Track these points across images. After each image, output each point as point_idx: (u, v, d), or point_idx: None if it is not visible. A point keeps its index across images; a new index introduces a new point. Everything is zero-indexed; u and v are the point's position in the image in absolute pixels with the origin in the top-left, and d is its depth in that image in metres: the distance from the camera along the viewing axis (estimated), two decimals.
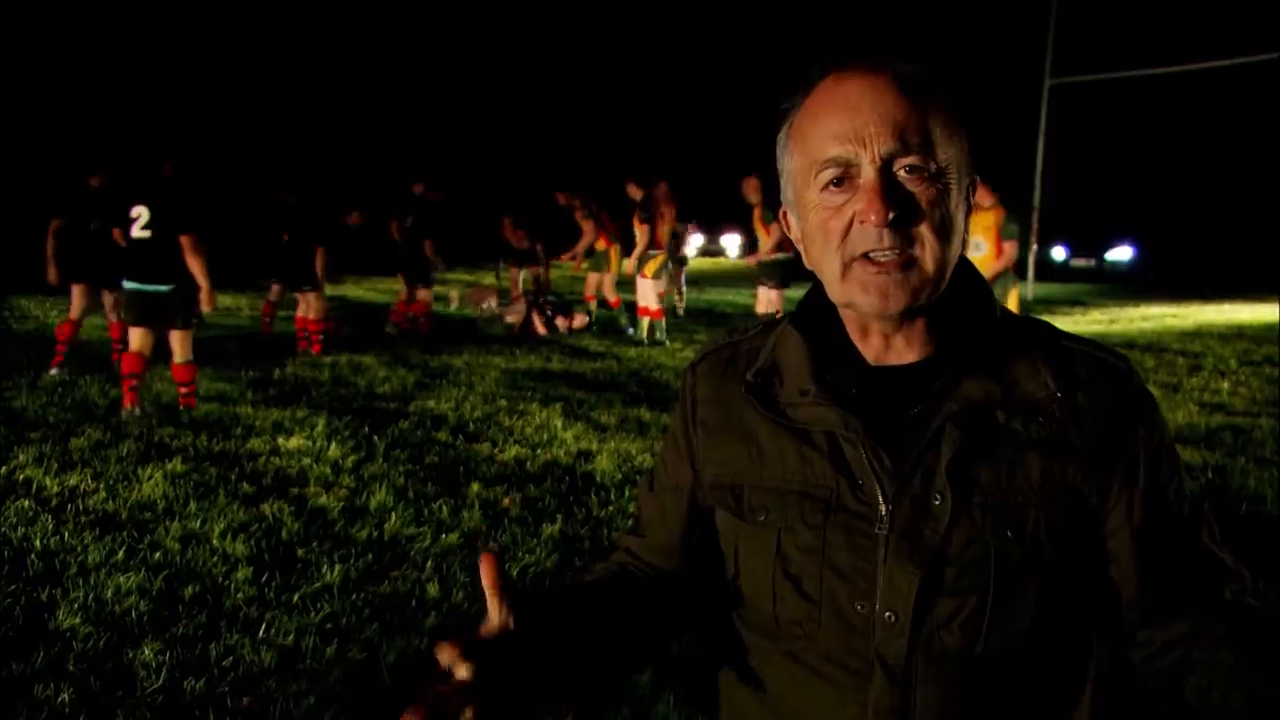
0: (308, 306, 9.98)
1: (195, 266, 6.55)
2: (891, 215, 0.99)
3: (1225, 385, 9.03)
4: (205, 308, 6.77)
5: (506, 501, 4.93)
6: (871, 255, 1.02)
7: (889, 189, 1.00)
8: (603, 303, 13.07)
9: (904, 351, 1.11)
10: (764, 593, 1.13)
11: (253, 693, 3.00)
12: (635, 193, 11.64)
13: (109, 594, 3.63)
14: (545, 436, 6.34)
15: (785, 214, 1.16)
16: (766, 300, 10.71)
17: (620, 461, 5.70)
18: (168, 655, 3.17)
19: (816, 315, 1.16)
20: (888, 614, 1.04)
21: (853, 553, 1.06)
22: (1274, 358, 11.16)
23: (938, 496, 1.04)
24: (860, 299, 1.04)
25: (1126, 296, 22.50)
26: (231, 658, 3.19)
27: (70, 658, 3.15)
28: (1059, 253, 46.47)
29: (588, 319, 12.61)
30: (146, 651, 3.18)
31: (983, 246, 8.78)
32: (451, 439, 6.21)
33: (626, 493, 5.10)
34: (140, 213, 6.54)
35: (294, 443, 5.95)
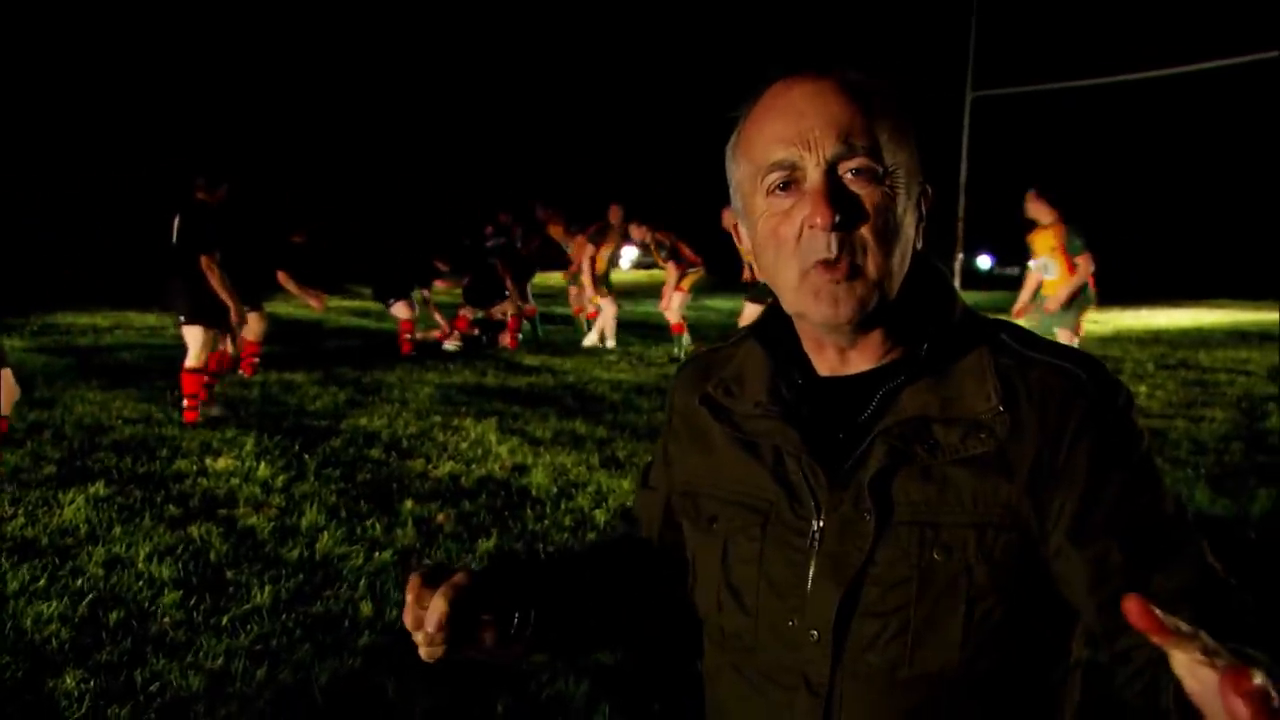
0: (248, 327, 9.79)
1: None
2: (837, 218, 0.97)
3: (1143, 389, 9.31)
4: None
5: (440, 518, 4.90)
6: (823, 261, 1.00)
7: (834, 192, 0.98)
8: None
9: (858, 362, 1.09)
10: (711, 602, 1.14)
11: (181, 718, 2.94)
12: (616, 215, 11.95)
13: (28, 622, 3.53)
14: (480, 451, 6.30)
15: (736, 226, 1.15)
16: (750, 316, 10.64)
17: (555, 475, 5.69)
18: (91, 683, 3.09)
19: (778, 327, 1.15)
20: (812, 631, 1.04)
21: (787, 567, 1.06)
22: (1189, 361, 11.54)
23: (865, 513, 1.02)
24: (812, 308, 1.02)
25: None
26: (158, 683, 3.12)
27: None
28: (984, 261, 47.49)
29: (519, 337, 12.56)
30: (68, 680, 3.10)
31: (1052, 268, 8.09)
32: (384, 456, 6.15)
33: (562, 506, 5.09)
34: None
35: (222, 463, 5.84)
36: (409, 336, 11.42)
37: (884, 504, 1.02)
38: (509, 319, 12.34)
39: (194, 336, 6.87)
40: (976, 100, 21.48)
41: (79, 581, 3.93)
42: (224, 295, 6.92)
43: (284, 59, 32.78)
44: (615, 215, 12.22)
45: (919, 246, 1.07)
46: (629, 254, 11.45)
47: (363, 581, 4.01)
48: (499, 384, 9.23)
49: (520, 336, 12.40)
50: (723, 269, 13.21)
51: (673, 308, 11.61)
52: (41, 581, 3.91)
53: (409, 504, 5.07)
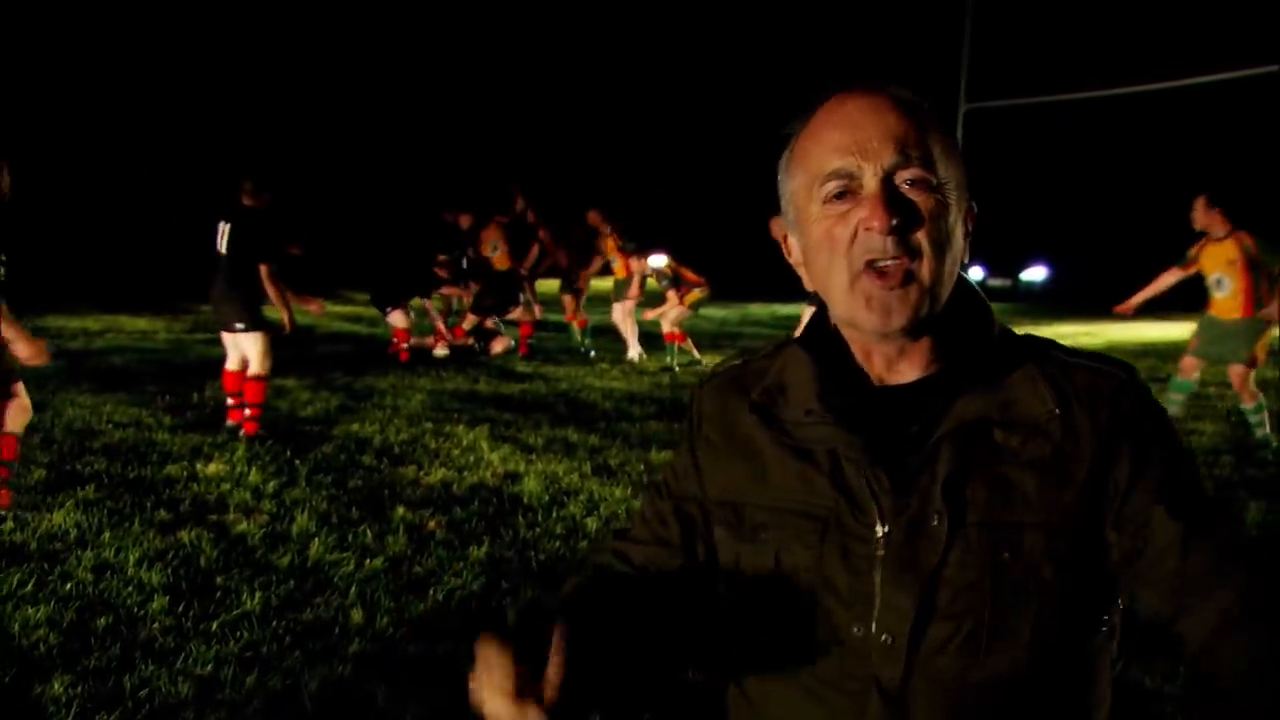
0: None
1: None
2: (895, 221, 1.01)
3: None
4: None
5: (432, 525, 4.89)
6: (876, 264, 1.03)
7: (892, 197, 1.02)
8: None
9: (907, 371, 1.12)
10: (761, 612, 1.13)
11: None
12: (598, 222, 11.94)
13: (16, 627, 3.51)
14: (472, 458, 6.29)
15: (786, 238, 1.19)
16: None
17: (548, 483, 5.68)
18: (79, 688, 3.08)
19: (823, 336, 1.17)
20: (884, 636, 1.04)
21: (850, 574, 1.06)
22: None
23: (934, 517, 1.03)
24: (863, 316, 1.05)
25: (1041, 315, 23.15)
26: (147, 689, 3.10)
27: None
28: (976, 273, 47.71)
29: (510, 342, 12.51)
30: (56, 685, 3.08)
31: (1226, 284, 7.08)
32: (376, 462, 6.14)
33: (555, 514, 5.09)
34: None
35: (213, 468, 5.82)
36: (405, 346, 11.37)
37: (954, 506, 1.04)
38: (521, 326, 12.30)
39: (256, 344, 6.81)
40: (970, 112, 21.58)
41: (68, 586, 3.91)
42: (280, 305, 6.98)
43: (282, 61, 32.79)
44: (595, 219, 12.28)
45: (965, 260, 1.11)
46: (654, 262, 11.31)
47: (353, 589, 4.00)
48: (491, 391, 9.22)
49: (530, 343, 12.36)
50: (723, 279, 13.22)
51: (669, 317, 11.56)
52: (30, 586, 3.89)
53: (400, 511, 5.06)
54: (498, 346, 12.24)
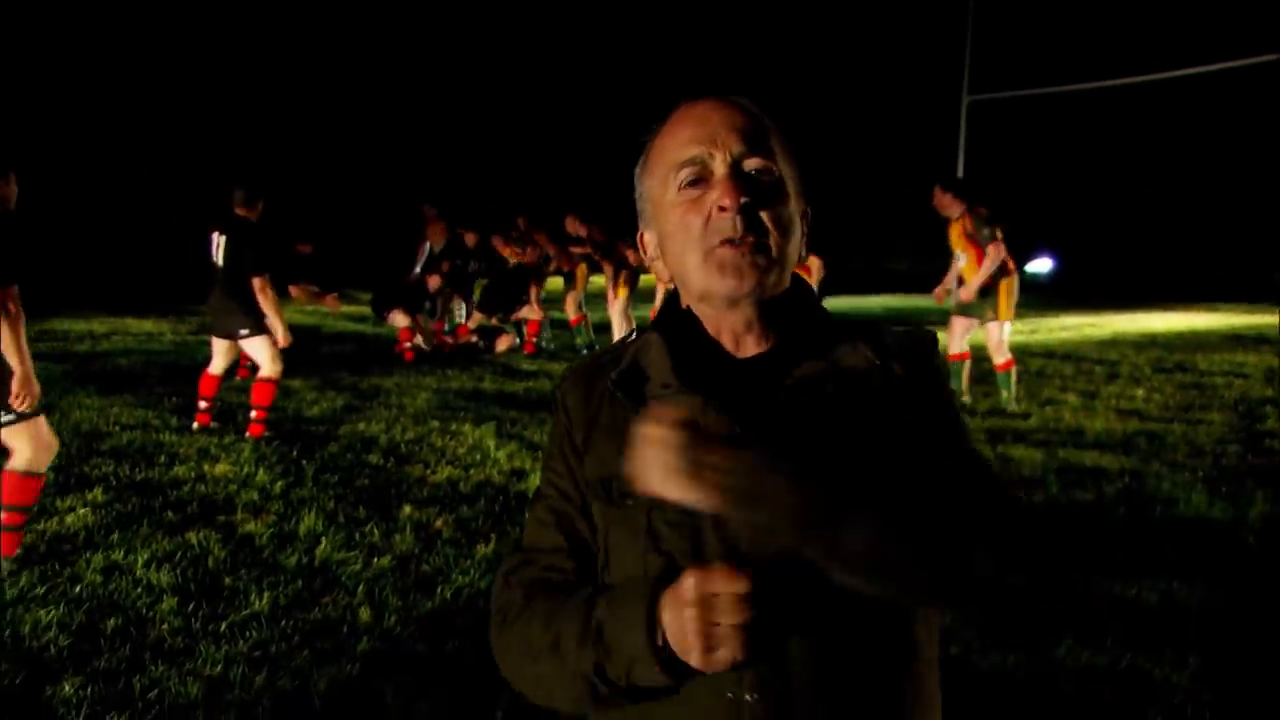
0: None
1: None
2: (744, 200, 1.13)
3: (1140, 392, 9.33)
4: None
5: (439, 523, 4.90)
6: (728, 240, 1.14)
7: (740, 179, 1.15)
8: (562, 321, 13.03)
9: (752, 345, 1.22)
10: (635, 571, 1.17)
11: None
12: (579, 228, 11.94)
13: (26, 629, 3.53)
14: (478, 457, 6.31)
15: (641, 235, 1.30)
16: None
17: None
18: (89, 690, 3.09)
19: (675, 320, 1.26)
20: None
21: (722, 531, 1.12)
22: (1185, 364, 11.55)
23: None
24: (717, 282, 1.16)
25: (1046, 307, 23.10)
26: (156, 690, 3.12)
27: None
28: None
29: (515, 340, 12.51)
30: (67, 687, 3.10)
31: (962, 257, 8.28)
32: (382, 461, 6.15)
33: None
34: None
35: (220, 469, 5.84)
36: (409, 345, 11.38)
37: (801, 451, 1.09)
38: (528, 324, 12.30)
39: (263, 348, 6.83)
40: (973, 104, 21.54)
41: (77, 588, 3.93)
42: (274, 316, 6.97)
43: (284, 63, 32.81)
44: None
45: (803, 253, 1.24)
46: None
47: (361, 587, 4.01)
48: (496, 389, 9.23)
49: (537, 342, 12.35)
50: None
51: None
52: (40, 588, 3.91)
53: (407, 509, 5.08)
54: (502, 344, 12.25)
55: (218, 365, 7.10)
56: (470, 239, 12.43)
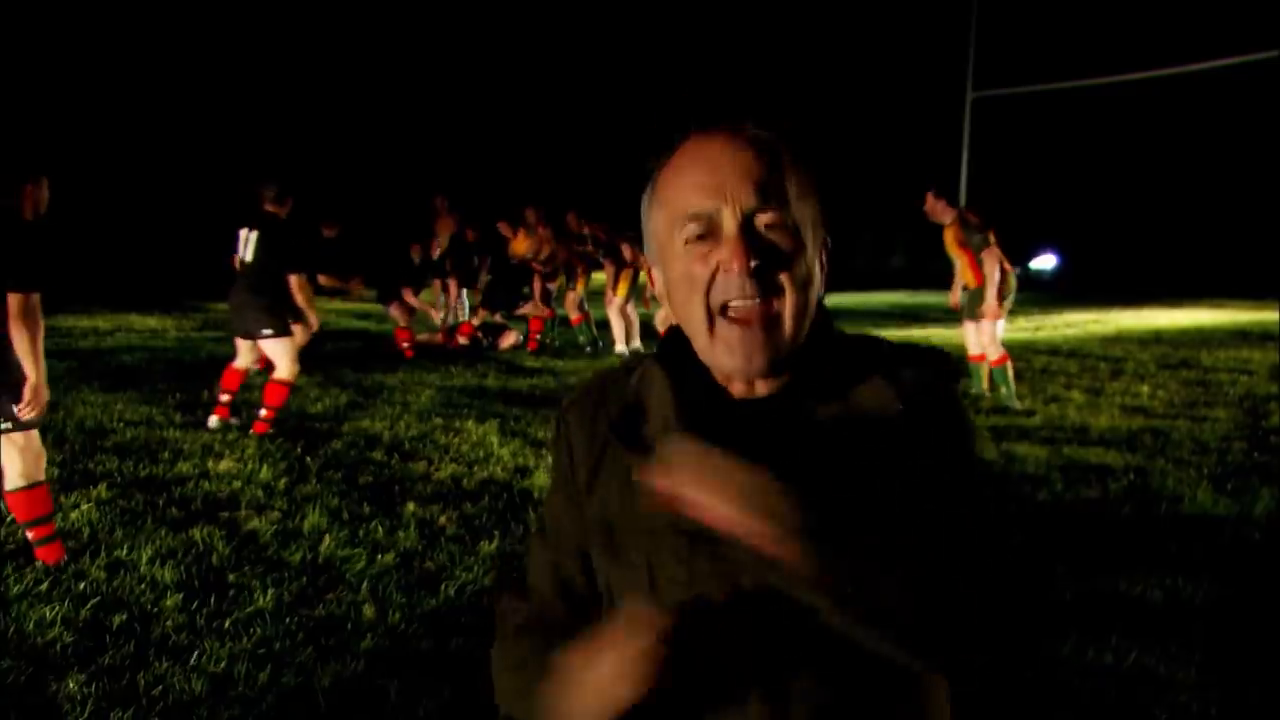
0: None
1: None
2: (754, 264, 1.05)
3: (1145, 389, 9.31)
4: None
5: (443, 520, 4.90)
6: (735, 303, 1.07)
7: (751, 239, 1.06)
8: (565, 320, 12.99)
9: (763, 389, 1.15)
10: None
11: None
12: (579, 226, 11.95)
13: (31, 626, 3.53)
14: (481, 454, 6.31)
15: (650, 269, 1.22)
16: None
17: None
18: (94, 686, 3.09)
19: (679, 352, 1.18)
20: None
21: (720, 580, 1.08)
22: (1191, 361, 11.54)
23: None
24: (725, 360, 1.10)
25: (1051, 303, 23.06)
26: (161, 687, 3.12)
27: None
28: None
29: (519, 337, 12.50)
30: (71, 684, 3.10)
31: (957, 261, 8.37)
32: (386, 458, 6.15)
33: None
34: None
35: (224, 466, 5.85)
36: (406, 344, 11.41)
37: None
38: (530, 320, 12.30)
39: (285, 349, 6.78)
40: (977, 101, 21.51)
41: (81, 585, 3.93)
42: (308, 308, 7.06)
43: (289, 56, 32.78)
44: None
45: (822, 292, 1.16)
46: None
47: (365, 584, 4.01)
48: (500, 386, 9.23)
49: (540, 339, 12.35)
50: None
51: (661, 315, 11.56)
52: (44, 585, 3.92)
53: (411, 506, 5.08)
54: (506, 341, 12.25)
55: (243, 360, 7.08)
56: (470, 236, 12.43)
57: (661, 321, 11.47)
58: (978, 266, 8.12)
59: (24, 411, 3.98)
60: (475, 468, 5.95)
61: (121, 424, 6.95)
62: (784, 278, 1.07)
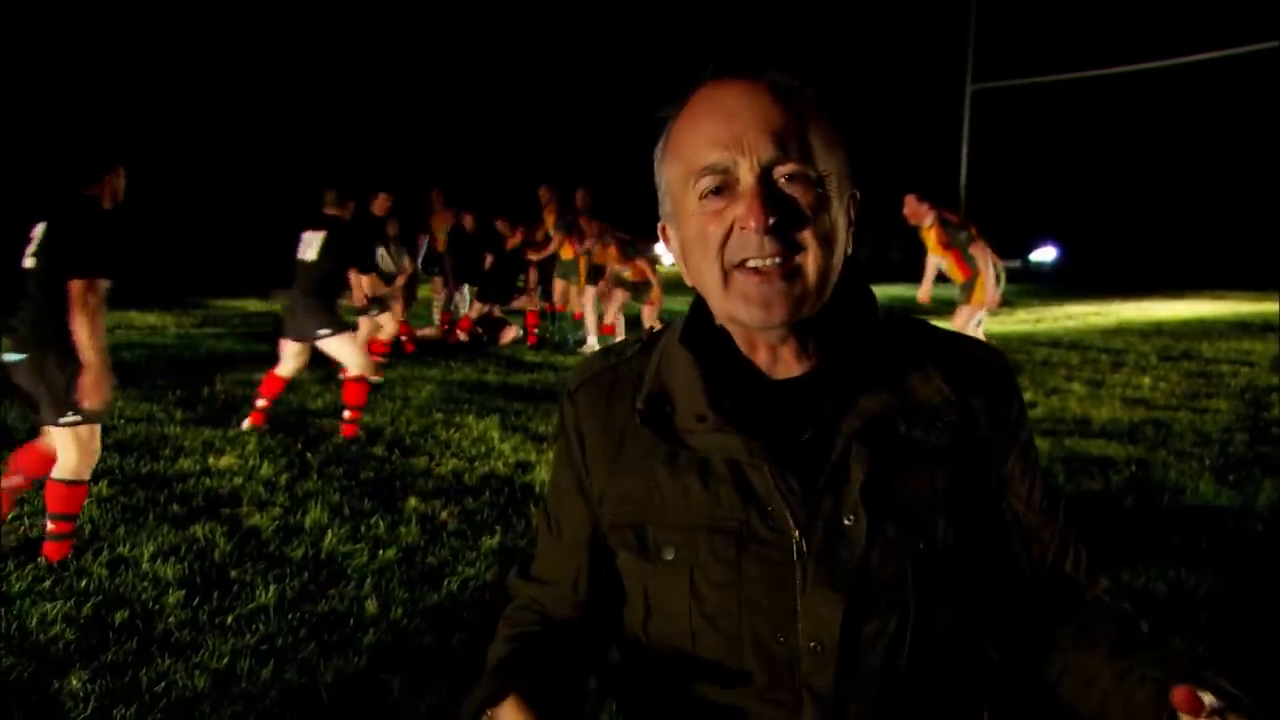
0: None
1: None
2: (772, 221, 0.98)
3: (1146, 380, 9.30)
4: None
5: (444, 515, 4.90)
6: (751, 263, 1.00)
7: (769, 194, 0.98)
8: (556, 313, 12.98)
9: (792, 364, 1.08)
10: (681, 634, 1.08)
11: (187, 718, 2.94)
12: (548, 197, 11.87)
13: (33, 623, 3.53)
14: (483, 449, 6.30)
15: (664, 228, 1.14)
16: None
17: None
18: (97, 684, 3.09)
19: (703, 331, 1.11)
20: (812, 643, 1.01)
21: (770, 584, 1.02)
22: (1192, 353, 11.53)
23: (850, 517, 1.01)
24: (743, 311, 1.02)
25: (1051, 296, 23.06)
26: (164, 683, 3.11)
27: None
28: None
29: (519, 332, 12.49)
30: (74, 681, 3.10)
31: (944, 262, 8.45)
32: (387, 454, 6.15)
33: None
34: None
35: (225, 462, 5.84)
36: (406, 338, 11.38)
37: (870, 505, 1.02)
38: (527, 314, 12.29)
39: (348, 345, 6.75)
40: (977, 93, 21.47)
41: (84, 582, 3.93)
42: (393, 301, 7.41)
43: (284, 54, 32.72)
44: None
45: (849, 251, 1.07)
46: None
47: (368, 580, 4.01)
48: (500, 381, 9.23)
49: (539, 333, 12.33)
50: None
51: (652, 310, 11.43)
52: (46, 582, 3.91)
53: (413, 502, 5.07)
54: (506, 336, 12.24)
55: (286, 368, 6.93)
56: (469, 221, 12.31)
57: (649, 317, 11.37)
58: (965, 263, 8.21)
59: (84, 400, 3.97)
60: (476, 463, 5.95)
61: (122, 421, 6.94)
62: (806, 234, 0.99)
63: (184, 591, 3.84)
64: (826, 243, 1.01)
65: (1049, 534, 1.14)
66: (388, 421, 7.10)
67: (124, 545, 4.36)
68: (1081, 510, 5.10)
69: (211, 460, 5.88)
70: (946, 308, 9.20)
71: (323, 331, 6.66)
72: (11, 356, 4.06)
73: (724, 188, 1.01)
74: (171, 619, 3.61)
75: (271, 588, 3.89)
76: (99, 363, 3.95)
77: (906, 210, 8.37)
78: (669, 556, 1.07)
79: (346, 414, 6.70)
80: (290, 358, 6.87)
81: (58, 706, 2.98)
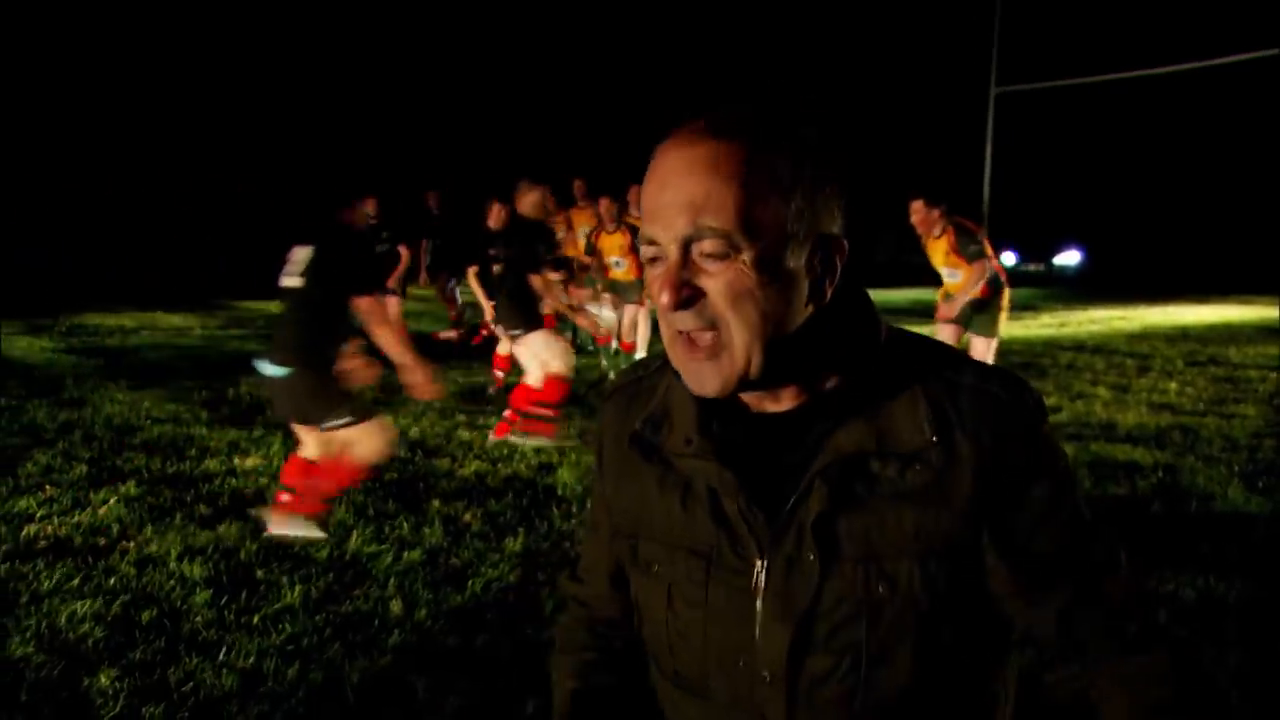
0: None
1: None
2: (683, 297, 0.99)
3: (1173, 385, 9.22)
4: None
5: (468, 517, 4.91)
6: (684, 333, 1.02)
7: (679, 276, 0.99)
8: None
9: (781, 399, 1.09)
10: (663, 644, 1.14)
11: (214, 717, 2.96)
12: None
13: (63, 621, 3.56)
14: (505, 451, 6.31)
15: None
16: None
17: (582, 473, 5.69)
18: (125, 682, 3.12)
19: None
20: (764, 672, 1.05)
21: (733, 609, 1.07)
22: (1218, 358, 11.41)
23: (809, 554, 1.03)
24: (685, 379, 1.05)
25: (1075, 300, 22.90)
26: (191, 682, 3.14)
27: (24, 687, 3.08)
28: (1008, 258, 47.15)
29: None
30: (103, 679, 3.13)
31: (956, 274, 7.35)
32: (410, 455, 6.17)
33: (589, 504, 5.09)
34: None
35: (250, 462, 5.88)
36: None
37: (827, 543, 1.03)
38: (544, 319, 12.31)
39: (541, 342, 6.74)
40: (1000, 96, 21.37)
41: (112, 581, 3.96)
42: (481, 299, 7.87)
43: (318, 57, 32.91)
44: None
45: (824, 301, 1.04)
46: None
47: (392, 581, 4.02)
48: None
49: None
50: None
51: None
52: (75, 581, 3.95)
53: (436, 503, 5.09)
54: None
55: (505, 347, 7.37)
56: (499, 213, 12.32)
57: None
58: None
59: (422, 395, 4.52)
60: (499, 465, 5.96)
61: (149, 421, 7.00)
62: (722, 309, 0.99)
63: (210, 591, 3.87)
64: (749, 318, 0.99)
65: (1058, 593, 1.06)
66: (410, 423, 7.13)
67: (151, 544, 4.40)
68: (1108, 515, 5.06)
69: (237, 461, 5.93)
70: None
71: (515, 331, 6.76)
72: (273, 370, 4.26)
73: (657, 259, 1.03)
74: (198, 618, 3.64)
75: (297, 588, 3.91)
76: (414, 358, 4.40)
77: (917, 219, 7.37)
78: (654, 569, 1.14)
79: (549, 412, 6.58)
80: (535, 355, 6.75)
81: (88, 704, 3.00)
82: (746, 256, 0.98)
